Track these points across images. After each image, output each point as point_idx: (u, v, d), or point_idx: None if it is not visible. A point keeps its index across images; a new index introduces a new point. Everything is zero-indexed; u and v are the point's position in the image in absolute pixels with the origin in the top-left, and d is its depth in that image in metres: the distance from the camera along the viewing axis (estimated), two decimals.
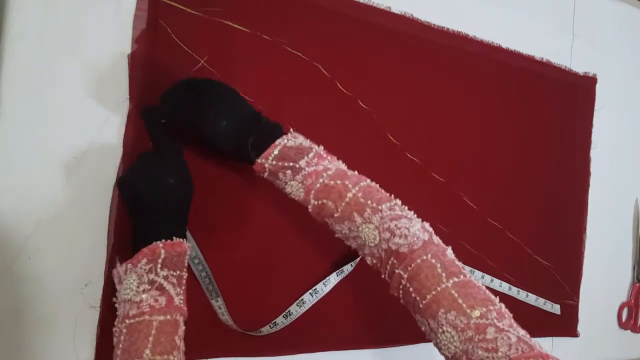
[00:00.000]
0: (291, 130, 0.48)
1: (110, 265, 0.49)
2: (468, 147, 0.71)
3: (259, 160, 0.46)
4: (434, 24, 0.68)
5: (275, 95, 0.58)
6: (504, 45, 0.75)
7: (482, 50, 0.72)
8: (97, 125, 0.50)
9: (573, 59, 0.82)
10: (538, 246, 0.77)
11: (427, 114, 0.68)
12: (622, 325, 0.90)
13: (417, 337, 0.66)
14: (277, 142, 0.46)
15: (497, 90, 0.74)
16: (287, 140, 0.46)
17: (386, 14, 0.65)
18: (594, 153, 0.84)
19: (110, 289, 0.48)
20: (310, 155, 0.46)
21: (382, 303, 0.63)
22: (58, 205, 0.48)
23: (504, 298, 0.72)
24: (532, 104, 0.77)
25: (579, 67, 0.83)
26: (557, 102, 0.80)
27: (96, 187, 0.49)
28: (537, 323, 0.77)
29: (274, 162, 0.46)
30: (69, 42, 0.49)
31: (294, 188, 0.46)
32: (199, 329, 0.53)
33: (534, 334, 0.79)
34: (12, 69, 0.46)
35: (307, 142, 0.48)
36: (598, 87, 0.85)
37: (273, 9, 0.58)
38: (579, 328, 0.81)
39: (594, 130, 0.84)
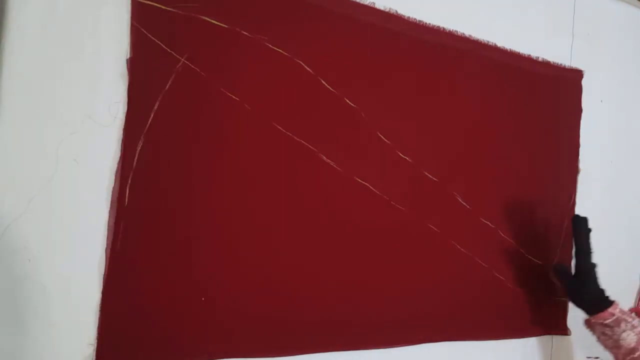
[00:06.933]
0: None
1: (110, 265, 0.49)
2: (461, 146, 0.70)
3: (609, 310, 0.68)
4: (420, 21, 0.67)
5: (258, 93, 0.56)
6: (503, 45, 0.74)
7: (472, 48, 0.71)
8: (97, 126, 0.50)
9: (573, 59, 0.82)
10: (530, 244, 0.76)
11: (419, 113, 0.67)
12: None
13: (417, 337, 0.66)
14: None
15: (490, 89, 0.73)
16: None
17: (370, 10, 0.63)
18: (593, 153, 0.84)
19: (110, 290, 0.49)
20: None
21: (384, 304, 0.63)
22: (58, 206, 0.48)
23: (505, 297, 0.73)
24: (525, 102, 0.77)
25: (579, 67, 0.83)
26: (551, 102, 0.79)
27: (96, 188, 0.50)
28: (531, 322, 0.77)
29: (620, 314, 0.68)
30: (69, 42, 0.49)
31: (629, 336, 0.67)
32: (198, 330, 0.53)
33: (528, 332, 0.79)
34: (12, 69, 0.46)
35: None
36: (598, 87, 0.85)
37: (251, 2, 0.56)
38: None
39: (595, 130, 0.84)
